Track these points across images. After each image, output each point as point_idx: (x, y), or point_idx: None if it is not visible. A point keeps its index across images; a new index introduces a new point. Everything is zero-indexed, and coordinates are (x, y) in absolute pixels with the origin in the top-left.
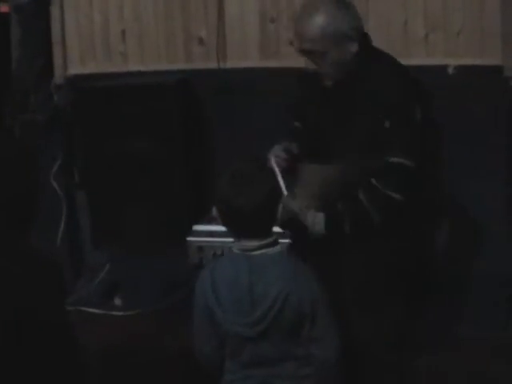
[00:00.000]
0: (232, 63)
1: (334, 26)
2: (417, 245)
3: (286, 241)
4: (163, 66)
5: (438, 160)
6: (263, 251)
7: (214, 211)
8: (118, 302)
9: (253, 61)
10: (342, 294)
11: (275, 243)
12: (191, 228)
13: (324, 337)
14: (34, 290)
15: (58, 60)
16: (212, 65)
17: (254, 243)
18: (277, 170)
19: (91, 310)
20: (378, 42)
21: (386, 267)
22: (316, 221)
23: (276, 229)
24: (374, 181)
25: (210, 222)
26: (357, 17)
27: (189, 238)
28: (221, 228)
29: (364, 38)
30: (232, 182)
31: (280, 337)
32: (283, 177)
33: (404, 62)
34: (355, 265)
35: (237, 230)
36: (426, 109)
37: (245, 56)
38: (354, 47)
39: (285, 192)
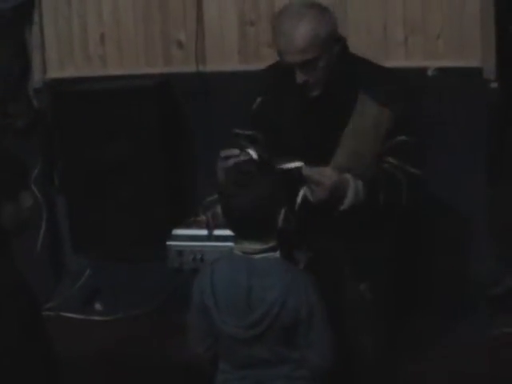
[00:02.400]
0: (211, 67)
1: (322, 30)
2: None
3: None
4: (142, 69)
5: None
6: (264, 255)
7: (208, 215)
8: (98, 307)
9: (232, 64)
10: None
11: (276, 248)
12: (170, 232)
13: (319, 342)
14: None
15: (36, 64)
16: (191, 68)
17: (256, 246)
18: None
19: (71, 315)
20: (358, 45)
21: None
22: (359, 188)
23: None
24: (391, 159)
25: (190, 226)
26: (335, 17)
27: (168, 243)
28: (200, 232)
29: (341, 39)
30: (235, 182)
31: (275, 341)
32: None
33: (384, 64)
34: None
35: (239, 230)
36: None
37: (224, 59)
38: (337, 48)
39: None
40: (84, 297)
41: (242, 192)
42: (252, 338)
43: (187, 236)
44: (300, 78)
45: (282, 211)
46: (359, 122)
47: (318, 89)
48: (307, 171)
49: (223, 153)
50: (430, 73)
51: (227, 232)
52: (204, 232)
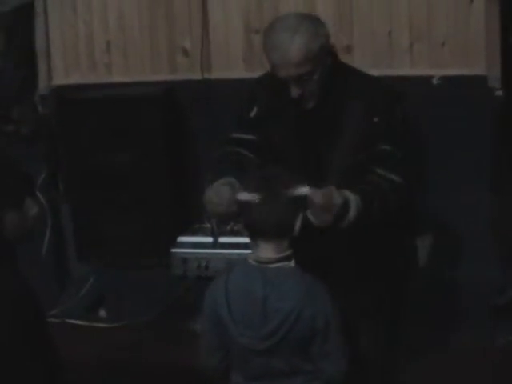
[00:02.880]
0: (216, 74)
1: (315, 44)
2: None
3: None
4: (147, 76)
5: (421, 170)
6: (279, 265)
7: (213, 222)
8: (102, 313)
9: (237, 72)
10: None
11: (291, 257)
12: (175, 240)
13: (335, 353)
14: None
15: (42, 71)
16: (196, 76)
17: (271, 255)
18: None
19: (76, 321)
20: (363, 52)
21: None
22: (358, 204)
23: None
24: (375, 168)
25: (195, 233)
26: (327, 28)
27: (173, 250)
28: (205, 239)
29: (333, 49)
30: (257, 189)
31: (290, 352)
32: None
33: (389, 72)
34: (346, 268)
35: (259, 238)
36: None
37: (229, 67)
38: (329, 59)
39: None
40: (88, 304)
41: (265, 200)
42: (267, 349)
43: (192, 243)
44: (295, 92)
45: (299, 220)
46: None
47: (313, 101)
48: (314, 197)
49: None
50: (434, 81)
51: (232, 239)
52: (209, 239)
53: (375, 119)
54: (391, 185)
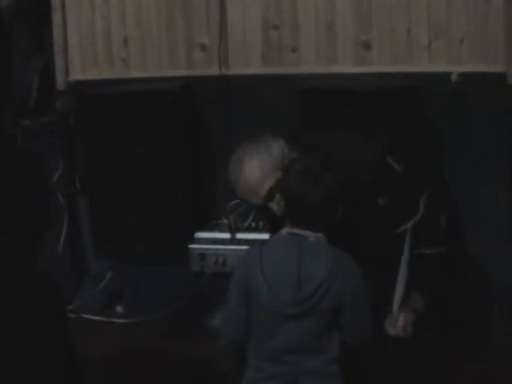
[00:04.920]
0: (234, 70)
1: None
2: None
3: None
4: (165, 72)
5: (441, 168)
6: (313, 238)
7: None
8: (119, 309)
9: (255, 68)
10: None
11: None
12: (193, 235)
13: (362, 324)
14: (30, 317)
15: (59, 66)
16: (214, 71)
17: (308, 233)
18: None
19: (93, 317)
20: (382, 49)
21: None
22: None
23: None
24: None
25: (212, 229)
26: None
27: (191, 246)
28: (223, 235)
29: None
30: (302, 178)
31: (317, 322)
32: None
33: (407, 69)
34: None
35: (297, 220)
36: None
37: (247, 63)
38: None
39: None
40: (105, 299)
41: (312, 188)
42: (298, 314)
43: (210, 239)
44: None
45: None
46: None
47: None
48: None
49: None
50: (453, 78)
51: (250, 235)
52: (227, 235)
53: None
54: (438, 259)
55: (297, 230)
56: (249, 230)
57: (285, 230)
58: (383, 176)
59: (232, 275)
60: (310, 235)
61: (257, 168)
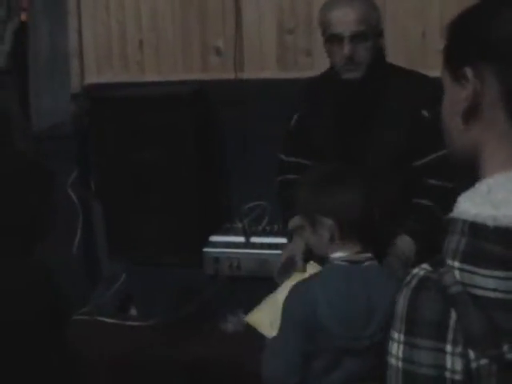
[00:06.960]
0: (249, 74)
1: (373, 11)
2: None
3: None
4: (180, 76)
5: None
6: (368, 264)
7: (245, 222)
8: (133, 312)
9: (270, 72)
10: None
11: (374, 257)
12: (206, 239)
13: None
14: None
15: (74, 69)
16: (229, 75)
17: (365, 255)
18: None
19: (107, 319)
20: (396, 53)
21: None
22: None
23: None
24: (431, 180)
25: (227, 232)
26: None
27: (205, 249)
28: (237, 239)
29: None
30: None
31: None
32: None
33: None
34: None
35: (351, 239)
36: None
37: (262, 67)
38: (381, 42)
39: None
40: (119, 302)
41: (342, 188)
42: (366, 348)
43: (224, 243)
44: (348, 49)
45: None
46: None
47: (361, 70)
48: None
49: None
50: None
51: (264, 239)
52: (241, 239)
53: (424, 112)
54: (444, 193)
55: (348, 254)
56: (263, 233)
57: (337, 259)
58: None
59: (286, 313)
60: (363, 258)
61: None
